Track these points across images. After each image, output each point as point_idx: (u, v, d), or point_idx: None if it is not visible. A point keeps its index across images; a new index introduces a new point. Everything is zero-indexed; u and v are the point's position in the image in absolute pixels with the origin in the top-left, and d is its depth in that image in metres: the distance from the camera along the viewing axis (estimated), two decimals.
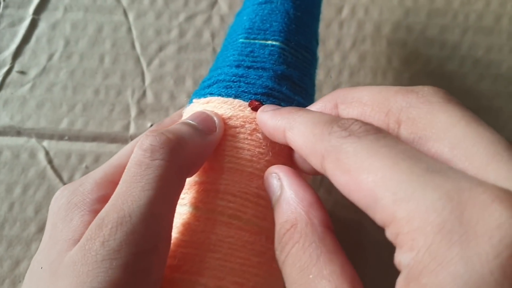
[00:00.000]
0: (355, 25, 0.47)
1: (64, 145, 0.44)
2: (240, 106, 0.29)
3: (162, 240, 0.25)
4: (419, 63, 0.46)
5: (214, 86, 0.31)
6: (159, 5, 0.47)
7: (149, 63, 0.46)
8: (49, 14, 0.47)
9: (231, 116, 0.29)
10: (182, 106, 0.45)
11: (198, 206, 0.28)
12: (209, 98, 0.31)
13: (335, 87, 0.45)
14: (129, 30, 0.47)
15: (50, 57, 0.46)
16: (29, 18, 0.47)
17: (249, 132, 0.29)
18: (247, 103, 0.29)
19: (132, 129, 0.45)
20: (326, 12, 0.47)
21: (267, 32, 0.32)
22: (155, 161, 0.25)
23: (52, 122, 0.45)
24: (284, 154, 0.29)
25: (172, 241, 0.27)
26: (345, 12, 0.47)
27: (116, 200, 0.25)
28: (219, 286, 0.26)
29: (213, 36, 0.47)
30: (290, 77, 0.31)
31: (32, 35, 0.47)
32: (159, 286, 0.25)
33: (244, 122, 0.29)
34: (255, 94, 0.30)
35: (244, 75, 0.31)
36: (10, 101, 0.45)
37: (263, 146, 0.29)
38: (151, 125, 0.45)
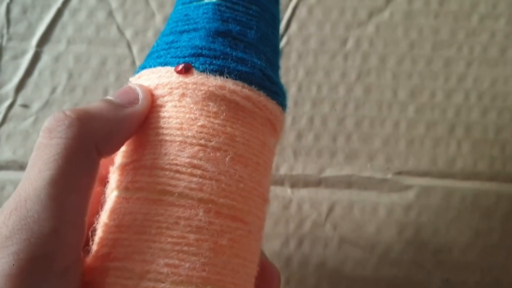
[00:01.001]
0: (359, 58, 0.47)
1: None
2: (167, 72, 0.27)
3: (64, 223, 0.22)
4: (424, 95, 0.46)
5: (148, 59, 0.29)
6: None
7: None
8: (52, 47, 0.47)
9: (157, 85, 0.27)
10: None
11: (127, 187, 0.26)
12: (140, 73, 0.29)
13: (340, 120, 0.45)
14: (133, 63, 0.46)
15: (53, 90, 0.46)
16: (32, 51, 0.46)
17: (177, 99, 0.26)
18: (175, 67, 0.27)
19: None
20: (331, 44, 0.47)
21: None
22: (52, 140, 0.23)
23: None
24: (219, 117, 0.26)
25: (103, 229, 0.26)
26: (350, 44, 0.47)
27: (18, 186, 0.23)
28: (147, 271, 0.24)
29: None
30: (228, 33, 0.28)
31: (35, 68, 0.46)
32: (75, 275, 0.24)
33: (171, 88, 0.26)
34: (184, 57, 0.27)
35: (175, 40, 0.28)
36: (13, 135, 0.45)
37: (194, 111, 0.26)
38: None
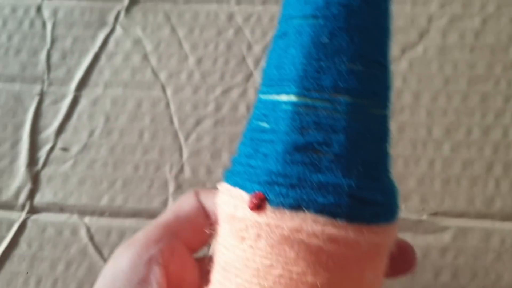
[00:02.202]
0: (393, 95, 0.46)
1: (105, 221, 0.45)
2: (243, 202, 0.24)
3: None
4: (460, 133, 0.45)
5: (232, 165, 0.26)
6: (196, 80, 0.48)
7: (186, 138, 0.46)
8: (90, 91, 0.48)
9: (234, 216, 0.24)
10: (218, 181, 0.45)
11: None
12: (223, 187, 0.26)
13: None
14: (167, 105, 0.47)
15: (91, 134, 0.47)
16: (71, 95, 0.48)
17: (253, 238, 0.23)
18: (249, 196, 0.24)
19: (170, 205, 0.45)
20: None
21: (281, 81, 0.24)
22: None
23: (93, 199, 0.46)
24: (298, 264, 0.23)
25: None
26: None
27: None
28: None
29: (248, 108, 0.47)
30: (307, 146, 0.23)
31: (74, 111, 0.48)
32: None
33: (247, 226, 0.23)
34: (258, 183, 0.23)
35: (252, 154, 0.25)
36: (54, 178, 0.46)
37: (270, 256, 0.23)
38: None
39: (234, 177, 0.25)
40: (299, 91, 0.24)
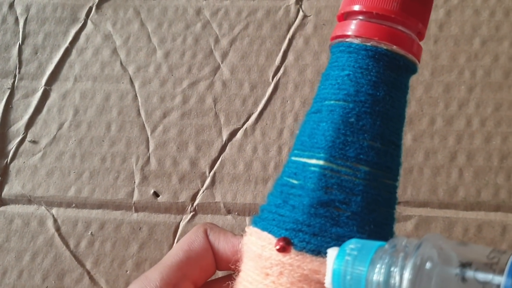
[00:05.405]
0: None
1: (72, 212, 0.46)
2: (270, 244, 0.28)
3: None
4: (423, 123, 0.45)
5: (261, 212, 0.30)
6: (164, 73, 0.48)
7: (153, 130, 0.47)
8: (60, 85, 0.49)
9: (261, 255, 0.28)
10: (184, 172, 0.46)
11: None
12: (253, 230, 0.30)
13: None
14: (135, 97, 0.48)
15: (60, 126, 0.48)
16: (41, 89, 0.49)
17: (276, 275, 0.27)
18: (276, 240, 0.28)
19: (135, 196, 0.46)
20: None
21: (312, 147, 0.29)
22: None
23: (60, 190, 0.46)
24: None
25: None
26: None
27: None
28: None
29: (215, 101, 0.47)
30: (330, 203, 0.27)
31: (44, 105, 0.49)
32: None
33: (271, 264, 0.27)
34: (285, 229, 0.27)
35: (281, 205, 0.29)
36: (22, 170, 0.47)
37: None
38: (154, 192, 0.45)
39: (263, 222, 0.29)
40: (327, 158, 0.28)
